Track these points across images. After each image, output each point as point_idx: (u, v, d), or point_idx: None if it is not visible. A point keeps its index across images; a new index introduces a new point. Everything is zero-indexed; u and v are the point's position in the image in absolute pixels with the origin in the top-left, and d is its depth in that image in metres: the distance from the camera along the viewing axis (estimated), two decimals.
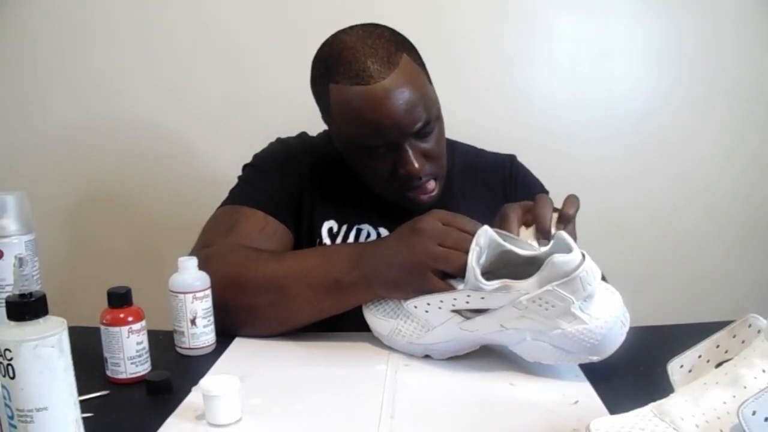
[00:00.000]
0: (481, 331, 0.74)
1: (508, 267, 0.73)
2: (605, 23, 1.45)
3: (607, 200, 1.50)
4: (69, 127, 1.48)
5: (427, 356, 0.79)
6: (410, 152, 0.90)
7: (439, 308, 0.74)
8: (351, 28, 0.92)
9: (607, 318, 0.70)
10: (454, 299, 0.72)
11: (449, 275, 0.74)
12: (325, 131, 1.09)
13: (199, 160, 1.49)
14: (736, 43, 1.45)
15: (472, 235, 0.72)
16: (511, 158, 1.12)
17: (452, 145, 1.11)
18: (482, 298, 0.70)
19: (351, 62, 0.87)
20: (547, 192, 1.08)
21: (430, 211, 0.78)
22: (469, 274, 0.70)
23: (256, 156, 1.06)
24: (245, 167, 1.05)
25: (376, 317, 0.81)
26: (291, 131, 1.10)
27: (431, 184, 0.95)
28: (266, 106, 1.45)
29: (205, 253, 0.87)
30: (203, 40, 1.44)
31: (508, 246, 0.72)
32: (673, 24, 1.45)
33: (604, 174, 1.49)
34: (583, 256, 0.68)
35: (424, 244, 0.74)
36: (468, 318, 0.73)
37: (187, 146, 1.49)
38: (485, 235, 0.71)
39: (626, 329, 0.73)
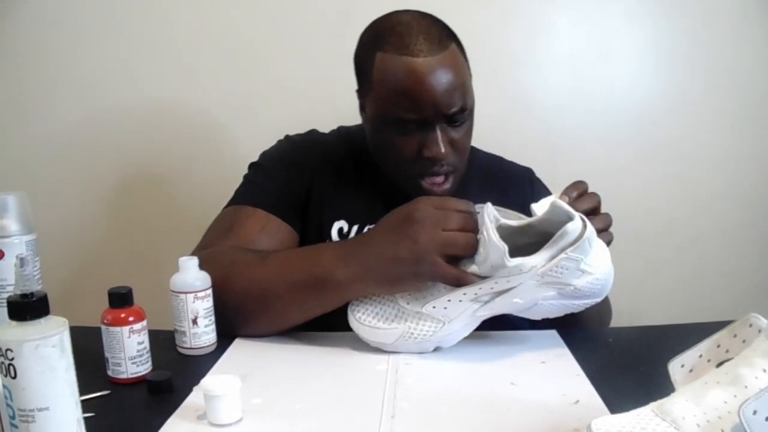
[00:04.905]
0: (496, 309, 0.76)
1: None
2: (605, 23, 1.45)
3: (606, 199, 1.49)
4: (70, 127, 1.48)
5: (427, 355, 0.79)
6: (440, 135, 0.90)
7: (460, 301, 0.75)
8: (406, 10, 0.95)
9: (607, 262, 0.77)
10: (479, 288, 0.73)
11: (455, 260, 0.75)
12: (336, 129, 1.09)
13: (200, 160, 1.49)
14: (735, 43, 1.45)
15: (469, 213, 0.73)
16: (531, 173, 1.12)
17: (472, 149, 1.11)
18: (508, 281, 0.72)
19: (403, 35, 0.89)
20: None
21: (415, 199, 0.78)
22: (493, 251, 0.70)
23: (263, 154, 1.05)
24: (251, 166, 1.04)
25: (378, 328, 0.79)
26: (294, 130, 1.09)
27: (447, 180, 0.95)
28: (269, 105, 1.45)
29: (201, 255, 0.88)
30: (208, 40, 1.44)
31: (503, 220, 0.74)
32: (673, 24, 1.45)
33: (603, 173, 1.48)
34: (582, 218, 0.72)
35: (427, 232, 0.74)
36: (486, 302, 0.75)
37: (188, 146, 1.49)
38: (491, 209, 0.73)
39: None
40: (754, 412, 0.46)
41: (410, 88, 0.88)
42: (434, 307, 0.76)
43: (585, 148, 1.48)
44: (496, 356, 0.78)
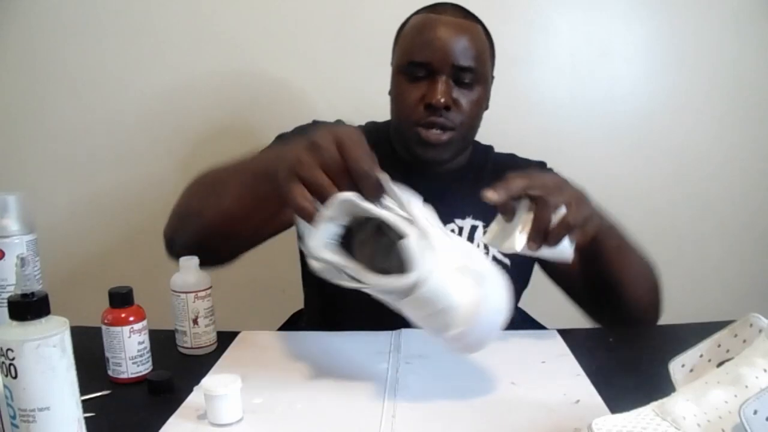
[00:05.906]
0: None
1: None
2: (605, 23, 1.45)
3: (606, 200, 1.48)
4: (70, 126, 1.48)
5: (427, 355, 0.79)
6: (442, 85, 0.94)
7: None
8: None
9: (476, 317, 0.64)
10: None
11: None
12: (366, 123, 1.10)
13: (200, 161, 1.48)
14: (737, 43, 1.45)
15: (364, 173, 0.64)
16: (542, 165, 1.13)
17: (486, 149, 1.13)
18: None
19: (437, 4, 1.00)
20: None
21: (336, 123, 0.79)
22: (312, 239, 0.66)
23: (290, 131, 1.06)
24: (276, 138, 1.06)
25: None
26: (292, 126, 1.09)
27: (445, 133, 0.96)
28: (268, 106, 1.45)
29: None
30: (199, 41, 1.44)
31: (373, 212, 0.65)
32: (674, 24, 1.45)
33: (603, 174, 1.49)
34: (428, 273, 0.61)
35: (304, 156, 0.65)
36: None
37: (187, 146, 1.48)
38: (339, 204, 0.64)
39: (502, 318, 0.67)
40: (755, 412, 0.46)
41: (426, 34, 0.96)
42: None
43: (585, 148, 1.48)
44: (496, 356, 0.78)
